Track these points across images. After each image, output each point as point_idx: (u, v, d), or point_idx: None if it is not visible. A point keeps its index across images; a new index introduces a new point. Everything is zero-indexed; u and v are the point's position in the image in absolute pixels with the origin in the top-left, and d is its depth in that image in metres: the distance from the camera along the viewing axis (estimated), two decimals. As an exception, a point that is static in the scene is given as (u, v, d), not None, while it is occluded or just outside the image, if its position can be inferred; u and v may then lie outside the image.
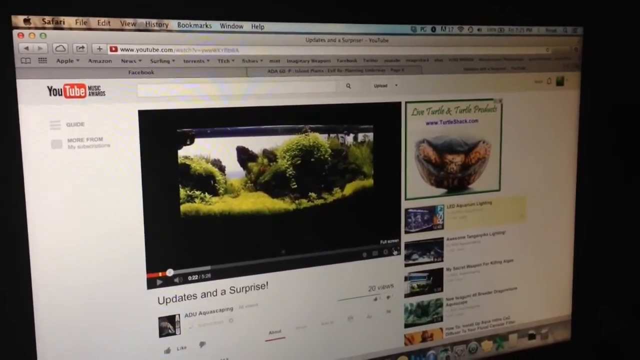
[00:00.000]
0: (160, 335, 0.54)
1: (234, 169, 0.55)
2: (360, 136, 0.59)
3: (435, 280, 0.65)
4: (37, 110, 0.48)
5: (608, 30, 0.68)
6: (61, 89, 0.49)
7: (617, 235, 0.76)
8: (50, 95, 0.48)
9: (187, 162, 0.53)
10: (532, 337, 0.71)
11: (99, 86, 0.50)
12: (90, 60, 0.49)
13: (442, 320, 0.66)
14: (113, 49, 0.50)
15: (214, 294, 0.56)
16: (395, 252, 0.62)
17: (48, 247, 0.50)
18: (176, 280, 0.54)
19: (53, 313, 0.50)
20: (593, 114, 0.68)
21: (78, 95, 0.49)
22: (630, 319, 0.77)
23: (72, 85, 0.49)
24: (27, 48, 0.47)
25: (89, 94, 0.49)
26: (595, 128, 0.69)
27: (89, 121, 0.50)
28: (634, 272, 0.77)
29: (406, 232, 0.63)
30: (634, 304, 0.77)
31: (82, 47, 0.49)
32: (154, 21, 0.51)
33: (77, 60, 0.49)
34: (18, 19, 0.47)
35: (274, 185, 0.57)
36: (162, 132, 0.52)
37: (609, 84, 0.69)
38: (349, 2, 0.58)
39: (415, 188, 0.63)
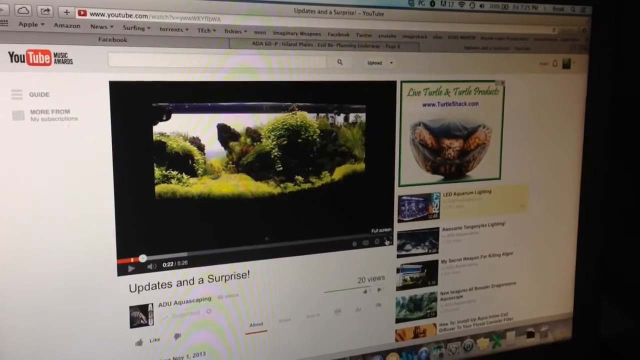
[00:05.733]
0: (132, 326, 0.51)
1: (214, 149, 0.52)
2: (352, 117, 0.56)
3: (429, 273, 0.62)
4: (-4, 77, 0.44)
5: (618, 10, 0.65)
6: (24, 55, 0.45)
7: (622, 229, 0.73)
8: (12, 61, 0.45)
9: (163, 139, 0.50)
10: (530, 335, 0.68)
11: (66, 53, 0.46)
12: (56, 25, 0.45)
13: (435, 315, 0.63)
14: (82, 12, 0.46)
15: (191, 282, 0.52)
16: (387, 242, 0.59)
17: (7, 230, 0.46)
18: (149, 267, 0.51)
19: (14, 300, 0.47)
20: (601, 99, 0.65)
21: (42, 62, 0.45)
22: (635, 317, 0.74)
23: (36, 52, 0.45)
24: (-14, 9, 0.44)
25: (55, 62, 0.46)
26: (603, 114, 0.66)
27: (54, 91, 0.46)
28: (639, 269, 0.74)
29: (399, 221, 0.59)
30: (639, 302, 0.74)
31: (48, 10, 0.45)
32: (127, -16, 0.47)
33: (42, 24, 0.45)
34: (-24, -23, 0.43)
35: (258, 167, 0.53)
36: (135, 106, 0.49)
37: (618, 67, 0.65)
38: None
39: (410, 174, 0.59)
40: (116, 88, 0.47)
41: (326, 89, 0.54)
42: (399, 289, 0.61)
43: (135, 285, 0.51)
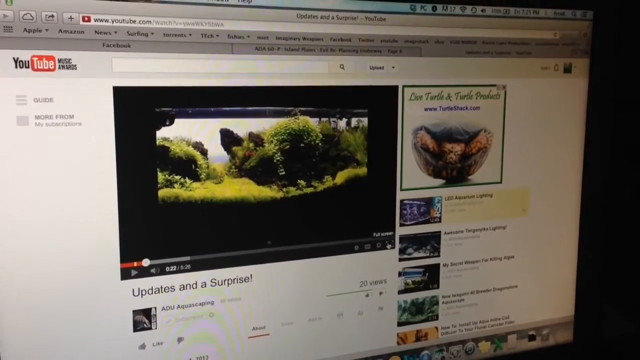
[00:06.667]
0: (135, 330, 0.51)
1: (217, 153, 0.52)
2: (354, 121, 0.56)
3: (431, 277, 0.62)
4: (1, 83, 0.45)
5: (619, 15, 0.65)
6: (28, 61, 0.45)
7: (624, 232, 0.73)
8: (17, 67, 0.45)
9: (166, 144, 0.50)
10: (532, 338, 0.68)
11: (70, 59, 0.46)
12: (60, 31, 0.46)
13: (437, 318, 0.63)
14: (86, 18, 0.46)
15: (194, 286, 0.53)
16: (389, 246, 0.59)
17: (12, 234, 0.46)
18: (153, 271, 0.51)
19: (17, 304, 0.47)
20: (602, 104, 0.65)
21: (47, 68, 0.46)
22: (636, 320, 0.74)
23: (40, 57, 0.45)
24: (-9, 15, 0.44)
25: (59, 67, 0.46)
26: (604, 118, 0.66)
27: (58, 97, 0.46)
28: (641, 272, 0.74)
29: (401, 225, 0.59)
30: (640, 305, 0.74)
31: (52, 16, 0.45)
32: (131, -10, 0.47)
33: (46, 30, 0.45)
34: (-19, -17, 0.44)
35: (260, 171, 0.53)
36: (139, 111, 0.49)
37: (619, 72, 0.65)
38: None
39: (412, 178, 0.59)
40: (120, 93, 0.48)
41: (328, 94, 0.55)
42: (400, 292, 0.61)
43: (139, 289, 0.51)
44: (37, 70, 0.45)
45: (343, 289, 0.58)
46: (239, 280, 0.54)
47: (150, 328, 0.52)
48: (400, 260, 0.60)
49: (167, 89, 0.49)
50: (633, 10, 0.67)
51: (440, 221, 0.61)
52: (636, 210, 0.74)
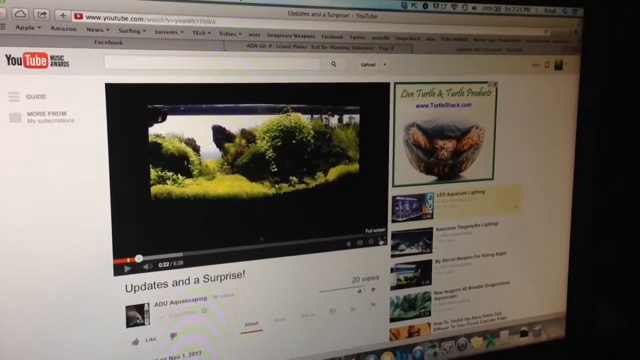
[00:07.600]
0: (128, 326, 0.51)
1: (209, 150, 0.52)
2: (346, 118, 0.56)
3: (423, 273, 0.62)
4: (-6, 80, 0.45)
5: (609, 12, 0.65)
6: (21, 58, 0.45)
7: (615, 229, 0.73)
8: (9, 64, 0.45)
9: (159, 140, 0.50)
10: (524, 334, 0.68)
11: (62, 56, 0.46)
12: (52, 28, 0.46)
13: (429, 314, 0.63)
14: (78, 16, 0.46)
15: (187, 282, 0.53)
16: (381, 242, 0.59)
17: (4, 230, 0.46)
18: (145, 267, 0.51)
19: (9, 300, 0.47)
20: (593, 100, 0.66)
21: (39, 65, 0.46)
22: (627, 316, 0.74)
23: (32, 55, 0.46)
24: (-17, 13, 0.44)
25: (51, 64, 0.46)
26: (595, 115, 0.66)
27: (51, 94, 0.46)
28: (632, 268, 0.74)
29: (393, 221, 0.60)
30: (632, 301, 0.74)
31: (44, 13, 0.45)
32: (123, -13, 0.48)
33: (39, 27, 0.46)
34: (-27, -19, 0.44)
35: (253, 167, 0.54)
36: (131, 108, 0.49)
37: (610, 68, 0.66)
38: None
39: (404, 174, 0.60)
40: (112, 90, 0.48)
41: (320, 91, 0.55)
42: (393, 288, 0.61)
43: (132, 285, 0.51)
44: (30, 67, 0.45)
45: (335, 285, 0.59)
46: (231, 276, 0.54)
47: (143, 324, 0.52)
48: (393, 256, 0.60)
49: (159, 85, 0.49)
50: (623, 7, 0.67)
51: (432, 217, 0.61)
52: (627, 206, 0.74)
